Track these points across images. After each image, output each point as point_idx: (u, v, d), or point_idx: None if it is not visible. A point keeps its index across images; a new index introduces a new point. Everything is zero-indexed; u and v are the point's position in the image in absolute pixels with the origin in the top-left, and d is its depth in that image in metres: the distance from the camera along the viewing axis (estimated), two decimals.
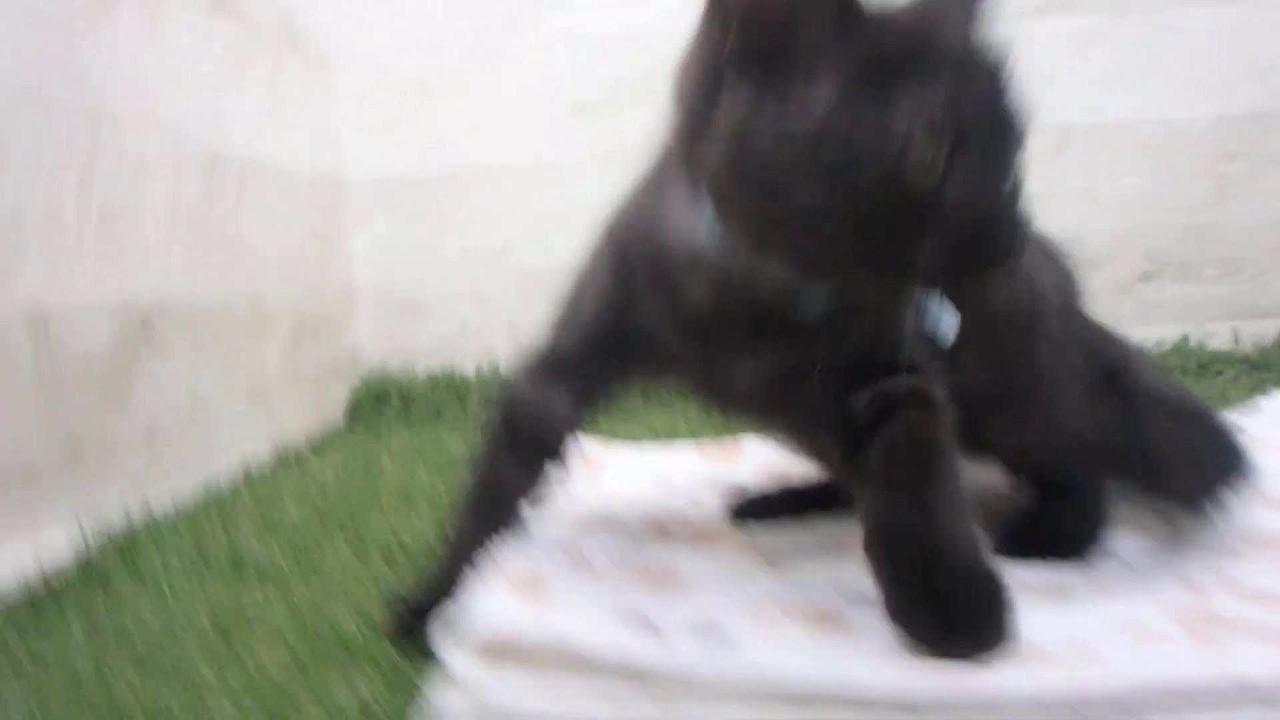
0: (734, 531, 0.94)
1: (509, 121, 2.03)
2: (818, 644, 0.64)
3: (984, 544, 0.69)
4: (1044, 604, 0.72)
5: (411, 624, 0.75)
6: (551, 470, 0.83)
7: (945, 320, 0.70)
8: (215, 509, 1.20)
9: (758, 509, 0.99)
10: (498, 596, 0.68)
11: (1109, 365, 0.95)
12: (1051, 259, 0.95)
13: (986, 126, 0.61)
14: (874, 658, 0.61)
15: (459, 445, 1.61)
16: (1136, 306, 2.03)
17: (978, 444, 0.84)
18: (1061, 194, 2.01)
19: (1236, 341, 2.01)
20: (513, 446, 0.81)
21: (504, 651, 0.60)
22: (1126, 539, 0.88)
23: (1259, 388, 1.73)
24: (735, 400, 0.78)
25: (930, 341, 0.72)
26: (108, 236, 1.15)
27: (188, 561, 0.98)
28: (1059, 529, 0.87)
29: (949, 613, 0.63)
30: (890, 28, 0.60)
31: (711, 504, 1.03)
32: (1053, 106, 2.06)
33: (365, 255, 2.04)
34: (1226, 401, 1.67)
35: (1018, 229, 0.63)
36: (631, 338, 0.75)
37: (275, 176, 1.67)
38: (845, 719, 0.55)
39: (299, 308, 1.74)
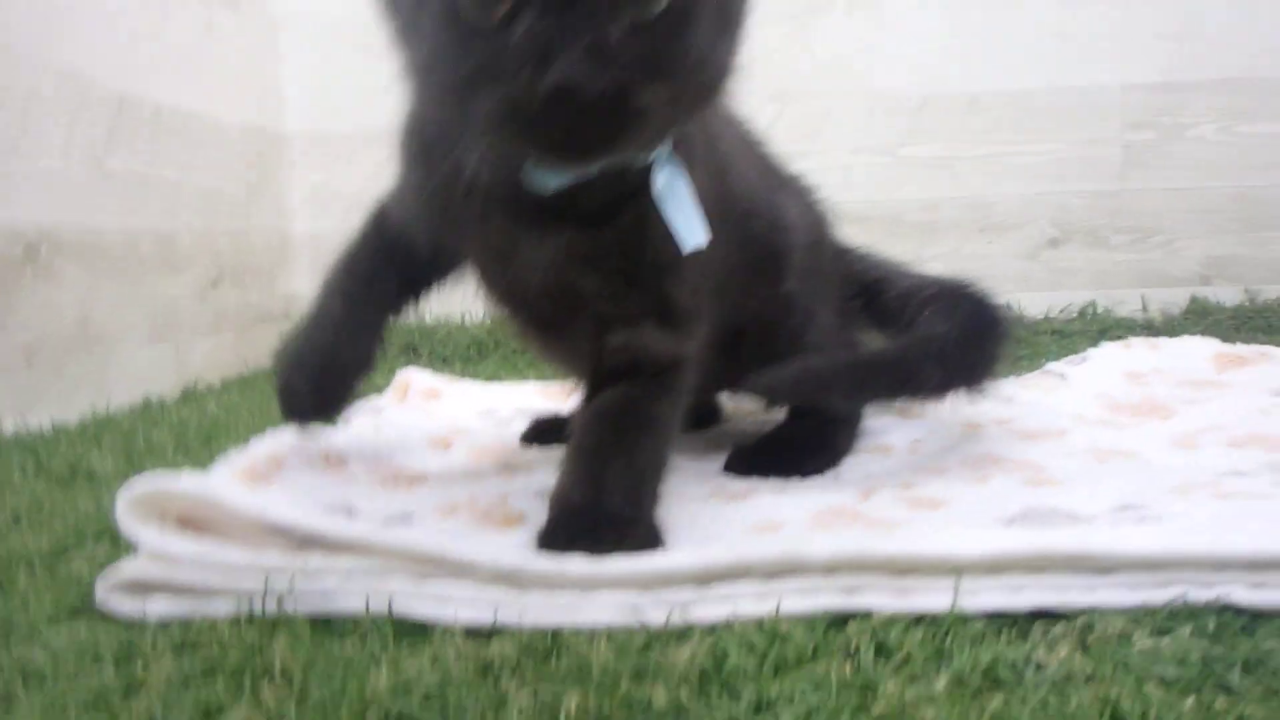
0: (508, 449, 1.02)
1: None
2: (475, 533, 0.72)
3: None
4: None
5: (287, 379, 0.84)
6: (410, 290, 0.87)
7: (689, 225, 0.70)
8: (87, 431, 1.30)
9: (546, 433, 1.06)
10: (221, 477, 0.76)
11: (866, 280, 1.03)
12: (798, 196, 1.00)
13: None
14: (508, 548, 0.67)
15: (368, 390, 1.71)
16: (1045, 272, 2.06)
17: (737, 374, 0.91)
18: (970, 159, 2.04)
19: (1145, 309, 2.03)
20: (383, 249, 0.85)
21: (195, 521, 0.67)
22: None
23: None
24: (526, 293, 0.79)
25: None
26: None
27: (26, 470, 1.07)
28: (788, 449, 0.94)
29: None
30: None
31: (517, 429, 1.11)
32: (961, 74, 2.12)
33: (304, 206, 2.13)
34: None
35: (584, 89, 0.54)
36: (437, 224, 0.79)
37: (198, 122, 1.75)
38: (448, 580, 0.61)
39: (218, 251, 1.83)
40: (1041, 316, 2.02)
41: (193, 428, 1.33)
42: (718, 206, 0.79)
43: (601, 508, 0.70)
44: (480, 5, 0.55)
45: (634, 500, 0.71)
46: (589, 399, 0.78)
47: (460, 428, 1.11)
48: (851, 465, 0.95)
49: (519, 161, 0.67)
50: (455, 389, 1.32)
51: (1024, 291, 2.05)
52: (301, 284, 2.15)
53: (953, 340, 0.92)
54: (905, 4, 2.01)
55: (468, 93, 0.57)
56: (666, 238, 0.71)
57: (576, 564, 0.60)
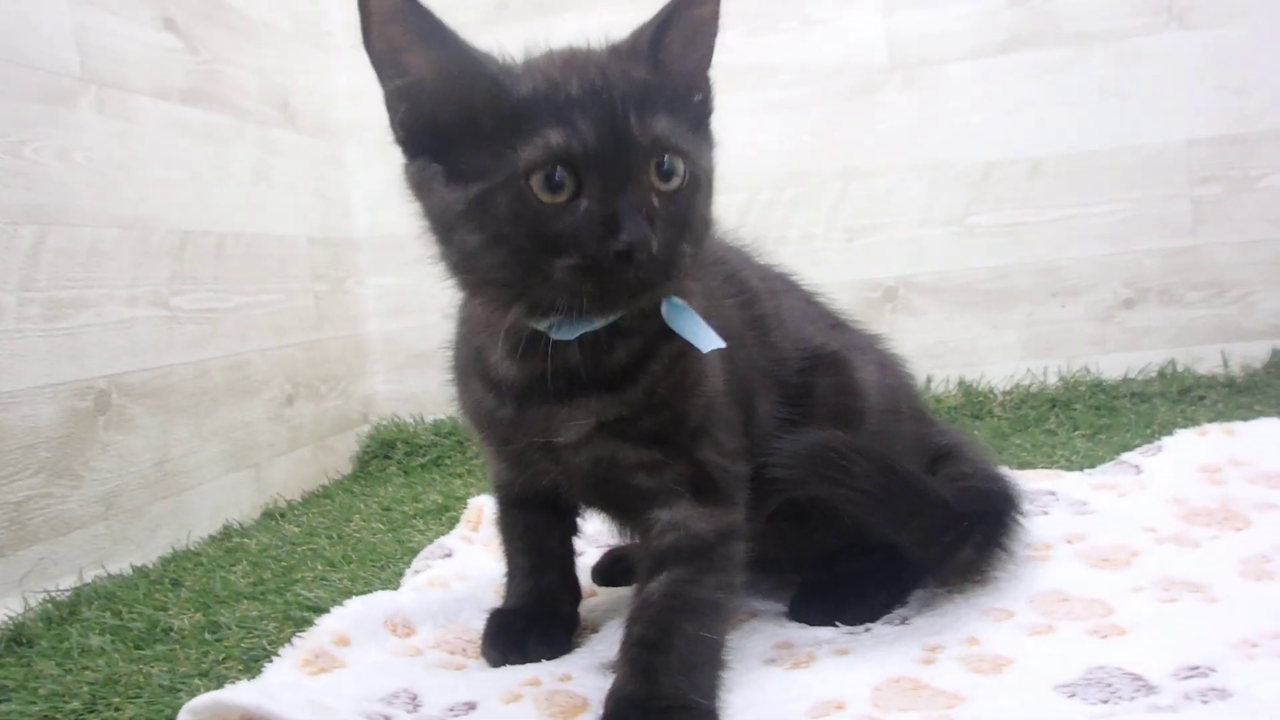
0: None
1: None
2: None
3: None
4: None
5: (504, 634, 0.91)
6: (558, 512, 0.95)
7: (702, 335, 0.78)
8: (167, 572, 1.35)
9: (616, 568, 1.09)
10: (281, 672, 0.81)
11: (937, 451, 1.03)
12: (878, 359, 1.02)
13: (604, 155, 0.70)
14: None
15: (437, 495, 1.74)
16: (1120, 333, 2.02)
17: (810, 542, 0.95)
18: (1036, 224, 2.01)
19: (1225, 365, 1.97)
20: (511, 505, 0.96)
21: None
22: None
23: (1234, 415, 1.71)
24: (564, 464, 0.85)
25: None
26: (55, 324, 1.30)
27: (105, 629, 1.13)
28: (854, 588, 0.94)
29: None
30: (524, 80, 0.72)
31: (588, 560, 1.14)
32: (1022, 140, 2.11)
33: (375, 308, 2.21)
34: (1194, 426, 1.65)
35: (649, 246, 0.68)
36: (488, 428, 0.88)
37: (263, 243, 1.83)
38: None
39: (292, 367, 1.89)
40: (1120, 379, 1.97)
41: (270, 563, 1.38)
42: (749, 339, 0.89)
43: (653, 697, 0.72)
44: (547, 189, 0.70)
45: (688, 687, 0.73)
46: (641, 585, 0.82)
47: None
48: (919, 605, 0.95)
49: (575, 319, 0.75)
50: None
51: (1100, 354, 2.01)
52: (378, 385, 2.23)
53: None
54: (961, 74, 2.01)
55: (547, 260, 0.70)
56: (691, 391, 0.81)
57: None
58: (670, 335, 0.79)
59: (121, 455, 1.40)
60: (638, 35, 0.77)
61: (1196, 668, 0.73)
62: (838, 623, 0.92)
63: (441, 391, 2.30)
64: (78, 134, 1.38)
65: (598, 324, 0.76)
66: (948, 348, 2.06)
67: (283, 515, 1.70)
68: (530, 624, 0.91)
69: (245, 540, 1.52)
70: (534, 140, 0.69)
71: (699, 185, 0.76)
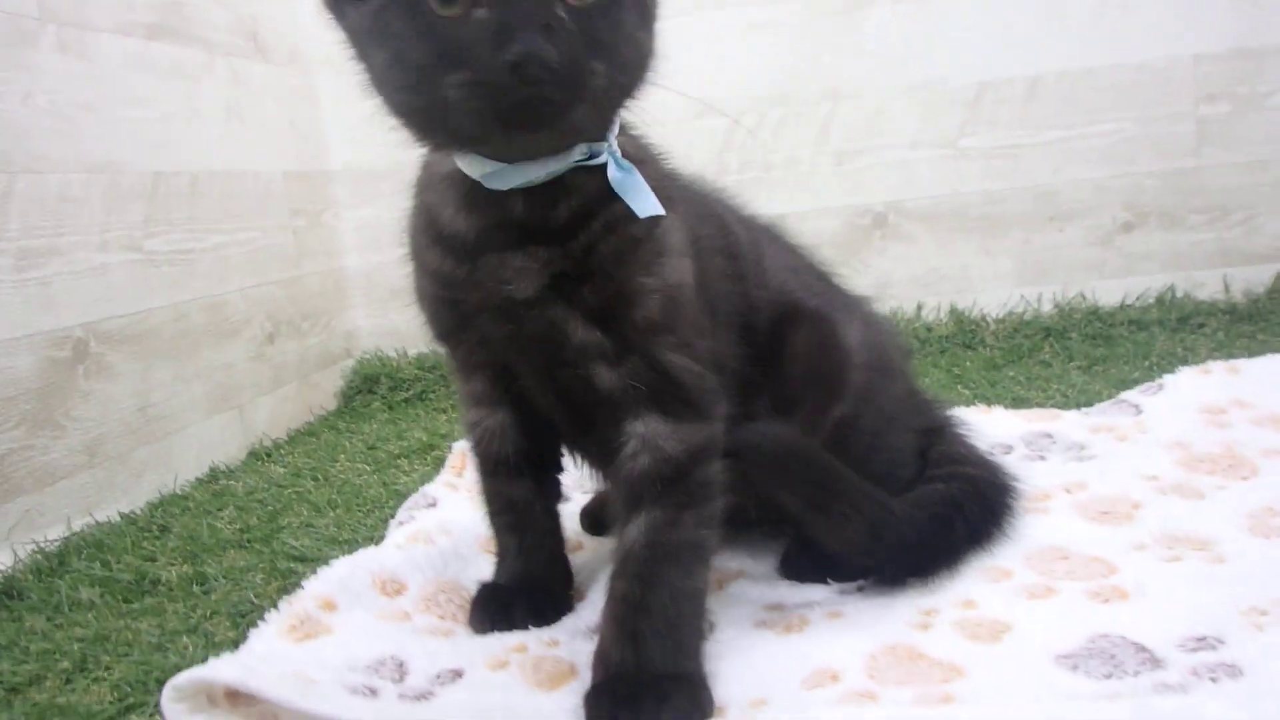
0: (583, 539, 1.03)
1: None
2: (523, 696, 0.72)
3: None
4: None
5: (493, 603, 0.88)
6: (536, 475, 0.90)
7: (644, 201, 0.74)
8: (154, 519, 1.34)
9: (602, 514, 1.06)
10: (265, 640, 0.78)
11: (929, 424, 0.99)
12: (865, 319, 0.96)
13: None
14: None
15: (421, 433, 1.71)
16: (1119, 259, 1.96)
17: None
18: (1032, 146, 1.94)
19: (1227, 290, 1.92)
20: (493, 470, 0.90)
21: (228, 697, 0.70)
22: None
23: (1236, 345, 1.67)
24: (520, 330, 0.79)
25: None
26: (27, 274, 1.26)
27: (94, 581, 1.12)
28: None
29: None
30: None
31: (574, 507, 1.11)
32: (1018, 58, 2.02)
33: (354, 242, 2.14)
34: (1193, 358, 1.62)
35: (543, 59, 0.62)
36: (445, 304, 0.82)
37: (238, 181, 1.76)
38: None
39: (272, 305, 1.85)
40: (1117, 305, 1.92)
41: (257, 507, 1.36)
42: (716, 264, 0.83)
43: (641, 669, 0.71)
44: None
45: (674, 652, 0.72)
46: (620, 525, 0.78)
47: None
48: None
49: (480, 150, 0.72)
50: None
51: (1098, 280, 1.96)
52: (359, 320, 2.17)
53: (925, 528, 0.87)
54: None
55: (437, 77, 0.65)
56: (640, 266, 0.75)
57: None
58: (615, 197, 0.75)
59: (103, 403, 1.37)
60: None
61: (1204, 638, 0.71)
62: (829, 580, 0.89)
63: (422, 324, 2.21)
64: (40, 76, 1.31)
65: (533, 175, 0.72)
66: (939, 275, 2.01)
67: (268, 455, 1.68)
68: (519, 596, 0.88)
69: (232, 483, 1.50)
70: None
71: (622, 3, 0.68)
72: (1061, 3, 1.88)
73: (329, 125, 2.08)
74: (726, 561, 0.95)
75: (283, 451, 1.70)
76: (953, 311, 1.98)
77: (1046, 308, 1.96)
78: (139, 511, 1.39)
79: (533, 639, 0.84)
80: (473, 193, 0.75)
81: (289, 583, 1.06)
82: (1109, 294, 1.95)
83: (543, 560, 0.91)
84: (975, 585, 0.85)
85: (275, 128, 1.91)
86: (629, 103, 0.75)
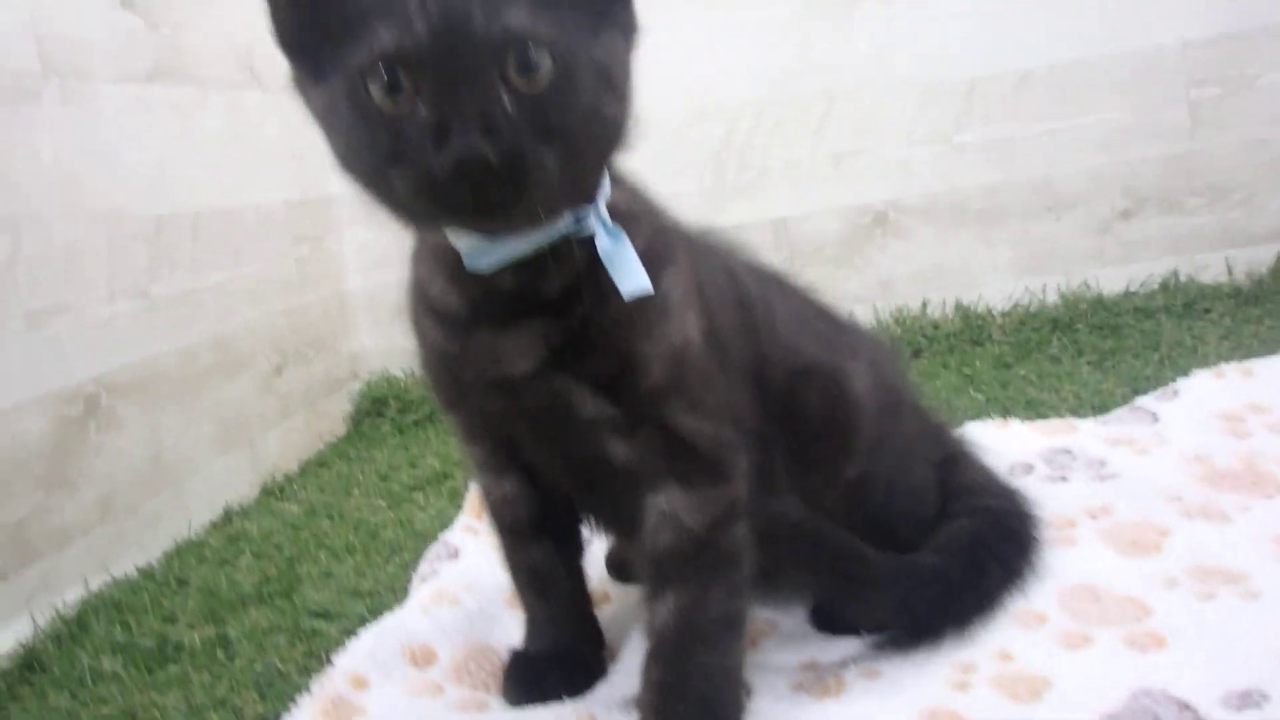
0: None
1: None
2: None
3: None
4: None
5: (525, 675, 0.88)
6: (555, 536, 0.90)
7: (631, 276, 0.71)
8: (171, 572, 1.33)
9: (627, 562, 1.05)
10: None
11: (945, 453, 0.98)
12: (869, 358, 0.94)
13: (439, 54, 0.61)
14: None
15: (434, 459, 1.71)
16: (1119, 246, 1.96)
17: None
18: (1027, 138, 1.93)
19: (1230, 272, 1.92)
20: (510, 536, 0.90)
21: None
22: None
23: (1244, 331, 1.67)
24: (523, 409, 0.78)
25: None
26: (36, 333, 1.24)
27: (115, 648, 1.11)
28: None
29: None
30: None
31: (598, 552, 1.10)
32: (1009, 51, 2.01)
33: (357, 264, 2.12)
34: (1202, 347, 1.63)
35: (480, 160, 0.60)
36: (443, 374, 0.81)
37: (239, 214, 1.74)
38: None
39: (279, 337, 1.83)
40: (1121, 293, 1.92)
41: (274, 553, 1.35)
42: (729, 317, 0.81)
43: None
44: (383, 94, 0.62)
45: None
46: (649, 600, 0.78)
47: None
48: None
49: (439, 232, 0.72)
50: None
51: (1099, 268, 1.96)
52: (365, 341, 2.16)
53: (956, 578, 0.87)
54: None
55: (384, 169, 0.64)
56: (643, 332, 0.73)
57: None
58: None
59: (114, 456, 1.37)
60: None
61: (1248, 694, 0.71)
62: (863, 631, 0.89)
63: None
64: (45, 132, 1.30)
65: (517, 250, 0.70)
66: (942, 269, 2.00)
67: (281, 491, 1.67)
68: (551, 665, 0.88)
69: (247, 524, 1.49)
70: (366, 40, 0.62)
71: (577, 81, 0.64)
72: None
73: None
74: (756, 612, 0.94)
75: (295, 486, 1.70)
76: (959, 307, 1.97)
77: (1051, 297, 1.95)
78: (155, 564, 1.38)
79: (568, 712, 0.83)
80: (461, 265, 0.73)
81: (314, 645, 1.06)
82: (1111, 281, 1.94)
83: (571, 626, 0.91)
84: (1011, 633, 0.85)
85: (274, 155, 1.89)
86: (599, 173, 0.72)
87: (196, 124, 1.65)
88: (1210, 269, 1.93)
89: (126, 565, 1.35)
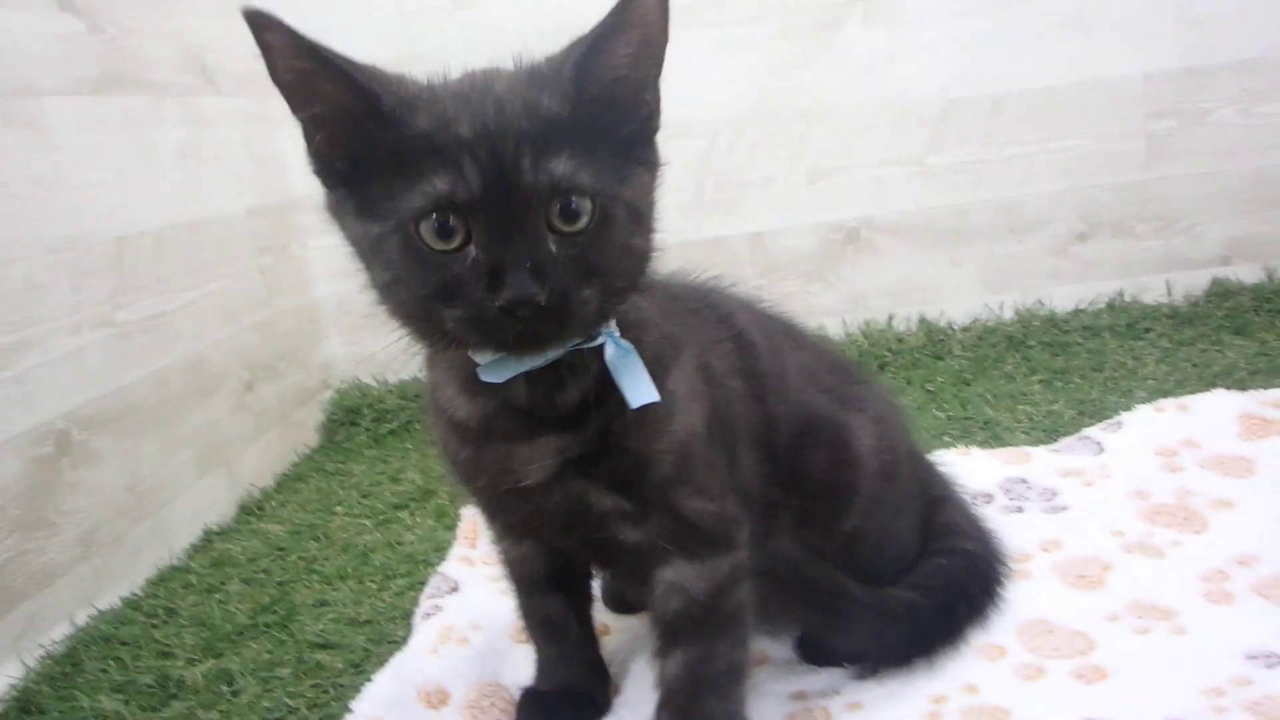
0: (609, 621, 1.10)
1: None
2: None
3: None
4: None
5: (537, 713, 0.95)
6: (567, 592, 0.96)
7: (638, 386, 0.76)
8: (158, 601, 1.32)
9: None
10: None
11: (934, 494, 1.08)
12: (873, 412, 1.01)
13: (491, 202, 0.66)
14: None
15: (415, 473, 1.72)
16: (1074, 266, 2.08)
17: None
18: (996, 161, 2.03)
19: (1170, 294, 2.06)
20: (525, 589, 0.97)
21: None
22: None
23: (1179, 354, 1.81)
24: (538, 508, 0.82)
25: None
26: (2, 373, 1.20)
27: (113, 686, 1.11)
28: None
29: None
30: (421, 115, 0.68)
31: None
32: (984, 77, 2.10)
33: (324, 271, 2.10)
34: (1142, 369, 1.76)
35: (531, 302, 0.65)
36: (459, 471, 0.85)
37: (200, 230, 1.70)
38: None
39: (249, 353, 1.81)
40: (1071, 310, 2.05)
41: (263, 578, 1.37)
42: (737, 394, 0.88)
43: None
44: (436, 237, 0.67)
45: None
46: (659, 657, 0.86)
47: None
48: None
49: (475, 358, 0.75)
50: None
51: (1055, 286, 2.08)
52: (335, 350, 2.16)
53: (927, 614, 0.97)
54: (923, 10, 1.95)
55: (435, 307, 0.69)
56: (653, 435, 0.78)
57: None
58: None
59: (92, 491, 1.34)
60: (565, 55, 0.71)
61: None
62: (845, 664, 0.99)
63: (402, 350, 2.21)
64: None
65: (527, 365, 0.74)
66: (909, 285, 2.10)
67: (260, 510, 1.68)
68: (561, 702, 0.96)
69: (229, 546, 1.50)
70: (420, 185, 0.67)
71: (613, 222, 0.70)
72: (1024, 24, 1.95)
73: (288, 150, 2.02)
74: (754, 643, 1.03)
75: (274, 504, 1.70)
76: (922, 322, 2.08)
77: (1008, 314, 2.07)
78: (140, 593, 1.36)
79: None
80: (474, 376, 0.76)
81: (322, 679, 1.09)
82: (1063, 300, 2.07)
83: (580, 666, 0.98)
84: (976, 666, 0.95)
85: (233, 161, 1.85)
86: (629, 299, 0.76)
87: (152, 135, 1.59)
88: (1152, 290, 2.06)
89: (111, 597, 1.34)
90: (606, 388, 0.77)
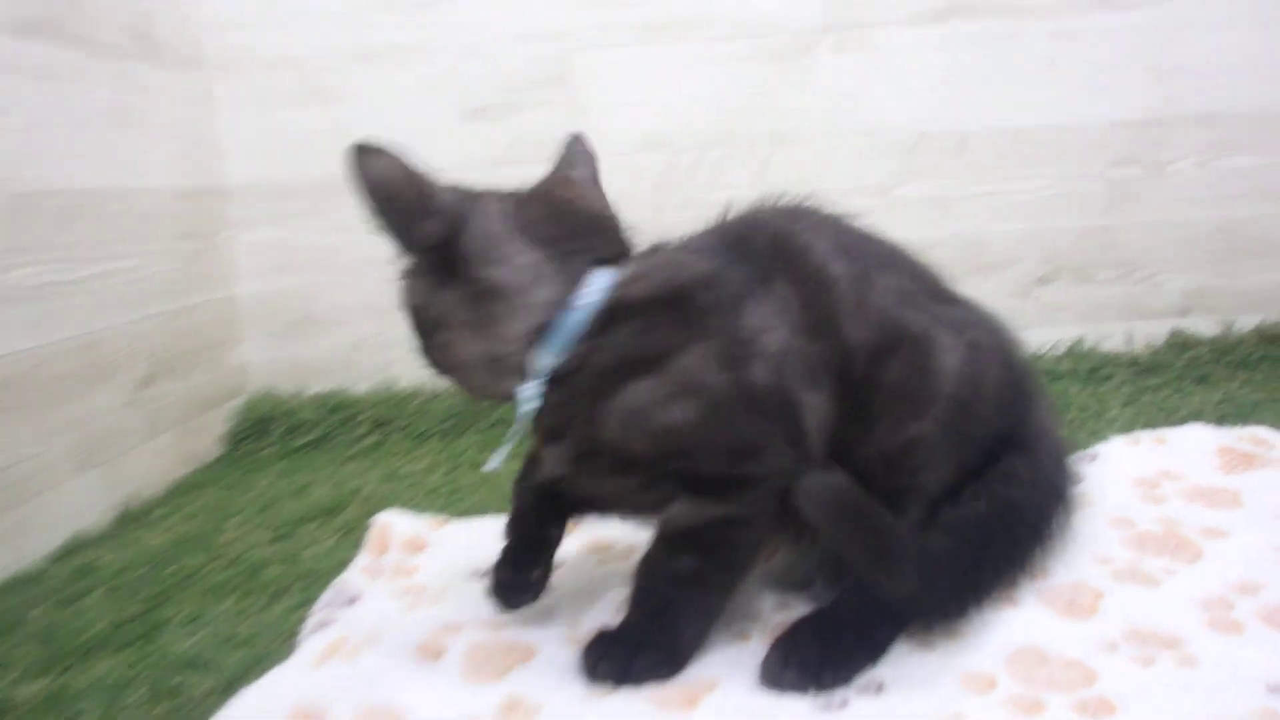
0: (505, 648, 0.93)
1: (402, 124, 1.95)
2: None
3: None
4: None
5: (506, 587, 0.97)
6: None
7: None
8: (7, 610, 1.15)
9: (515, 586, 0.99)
10: None
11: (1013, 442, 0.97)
12: (975, 347, 0.94)
13: None
14: None
15: (325, 487, 1.56)
16: (1035, 309, 2.01)
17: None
18: (962, 198, 1.97)
19: (1130, 342, 2.00)
20: (520, 486, 1.01)
21: None
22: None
23: (1144, 399, 1.74)
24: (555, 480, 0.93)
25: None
26: None
27: None
28: (827, 645, 0.87)
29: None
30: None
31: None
32: (953, 112, 2.05)
33: (251, 267, 1.95)
34: (1107, 412, 1.68)
35: None
36: None
37: (121, 199, 1.58)
38: None
39: (149, 343, 1.65)
40: (1032, 355, 1.97)
41: (130, 590, 1.19)
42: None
43: (625, 631, 0.89)
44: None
45: (659, 628, 0.88)
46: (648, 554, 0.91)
47: (450, 623, 0.99)
48: (891, 664, 0.88)
49: None
50: (441, 535, 1.22)
51: (1018, 330, 1.99)
52: (251, 354, 1.98)
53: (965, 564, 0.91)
54: (896, 40, 1.91)
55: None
56: (637, 433, 0.85)
57: None
58: (585, 395, 0.85)
59: None
60: None
61: None
62: (811, 690, 0.84)
63: (328, 358, 2.06)
64: None
65: (516, 435, 0.90)
66: None
67: (143, 519, 1.48)
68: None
69: (99, 555, 1.30)
70: None
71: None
72: (996, 64, 1.91)
73: (227, 136, 1.91)
74: (700, 670, 0.88)
75: (160, 513, 1.50)
76: None
77: None
78: None
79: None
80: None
81: (179, 703, 0.91)
82: (1026, 343, 1.99)
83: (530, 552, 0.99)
84: (960, 696, 0.81)
85: (165, 139, 1.73)
86: None
87: (77, 92, 1.49)
88: (1113, 338, 2.00)
89: None
90: (578, 411, 0.86)
